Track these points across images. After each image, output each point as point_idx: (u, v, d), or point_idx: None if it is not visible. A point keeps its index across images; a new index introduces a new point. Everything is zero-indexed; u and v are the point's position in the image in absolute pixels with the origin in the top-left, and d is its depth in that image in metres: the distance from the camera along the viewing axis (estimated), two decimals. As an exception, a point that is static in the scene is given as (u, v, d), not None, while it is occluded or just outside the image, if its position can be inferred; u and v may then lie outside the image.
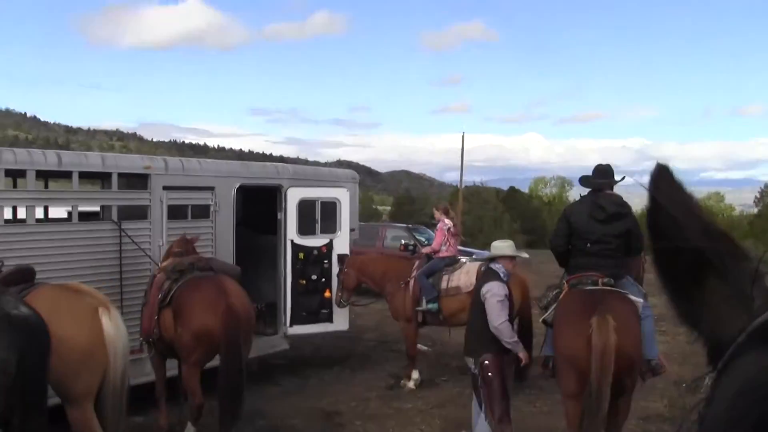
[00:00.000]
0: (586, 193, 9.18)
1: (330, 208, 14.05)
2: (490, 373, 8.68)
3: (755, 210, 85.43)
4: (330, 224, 14.04)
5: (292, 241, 13.63)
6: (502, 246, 9.33)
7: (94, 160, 11.53)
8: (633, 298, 8.42)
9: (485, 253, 27.28)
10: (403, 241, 23.89)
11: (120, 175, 11.51)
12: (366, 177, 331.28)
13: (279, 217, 13.73)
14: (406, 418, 11.50)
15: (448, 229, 13.78)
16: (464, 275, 12.99)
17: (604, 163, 9.23)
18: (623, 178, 9.25)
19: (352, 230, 14.88)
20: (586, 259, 8.61)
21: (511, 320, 9.10)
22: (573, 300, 8.37)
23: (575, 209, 9.10)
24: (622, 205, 8.81)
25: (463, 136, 60.35)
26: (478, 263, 12.98)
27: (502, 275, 8.99)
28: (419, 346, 14.90)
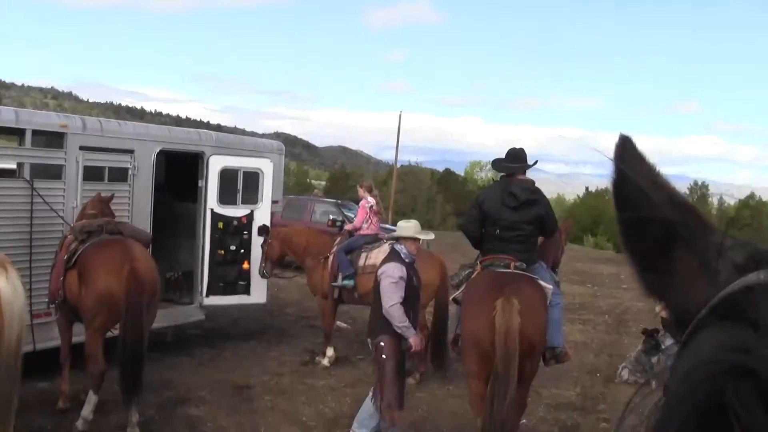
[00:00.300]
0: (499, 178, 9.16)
1: (252, 179, 13.77)
2: (383, 356, 8.54)
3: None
4: (252, 195, 13.76)
5: (212, 210, 13.33)
6: (406, 226, 9.10)
7: (7, 115, 11.08)
8: (543, 284, 8.38)
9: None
10: (331, 217, 23.59)
11: (35, 132, 11.10)
12: (303, 151, 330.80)
13: (200, 184, 13.41)
14: (316, 395, 11.35)
15: (371, 206, 13.67)
16: (382, 254, 12.78)
17: (516, 147, 9.12)
18: (536, 163, 9.28)
19: (275, 202, 14.65)
20: (500, 244, 8.55)
21: (415, 303, 8.88)
22: (482, 280, 8.33)
23: (487, 195, 8.95)
24: (534, 192, 8.76)
25: (400, 116, 60.19)
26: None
27: (403, 256, 8.76)
28: (338, 323, 14.79)
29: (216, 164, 13.31)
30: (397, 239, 9.00)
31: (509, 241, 8.52)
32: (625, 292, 26.66)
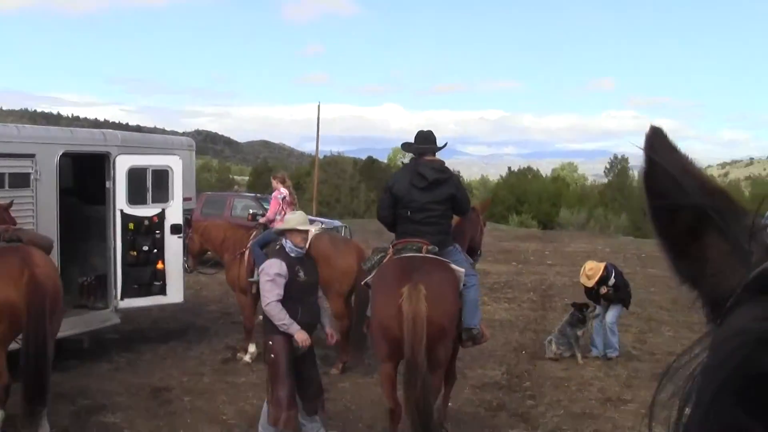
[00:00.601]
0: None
1: (162, 177, 13.41)
2: (273, 355, 8.28)
3: (606, 180, 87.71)
4: (162, 193, 13.40)
5: (121, 210, 12.93)
6: (289, 218, 8.82)
7: None
8: (454, 267, 8.34)
9: (336, 222, 27.20)
10: (251, 211, 23.30)
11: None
12: (225, 147, 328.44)
13: (107, 185, 13.03)
14: (237, 393, 11.11)
15: (284, 198, 13.61)
16: None
17: (425, 130, 9.08)
18: (445, 145, 9.22)
19: (187, 199, 14.38)
20: (412, 226, 8.52)
21: (305, 298, 8.46)
22: (391, 266, 8.31)
23: (396, 178, 8.96)
24: (443, 171, 8.73)
25: (318, 107, 60.03)
26: (311, 234, 12.73)
27: (288, 251, 8.47)
28: (260, 317, 14.53)
29: (123, 164, 12.92)
30: (283, 232, 8.75)
31: (421, 223, 8.49)
32: (550, 268, 26.87)
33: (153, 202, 13.32)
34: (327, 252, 12.36)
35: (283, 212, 13.37)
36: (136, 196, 13.10)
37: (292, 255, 8.43)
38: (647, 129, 1.24)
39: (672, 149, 1.22)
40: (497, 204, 75.85)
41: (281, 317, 8.17)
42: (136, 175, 13.09)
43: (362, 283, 9.36)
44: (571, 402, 10.85)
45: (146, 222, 13.21)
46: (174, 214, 13.51)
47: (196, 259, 14.06)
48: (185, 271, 13.71)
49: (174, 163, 13.53)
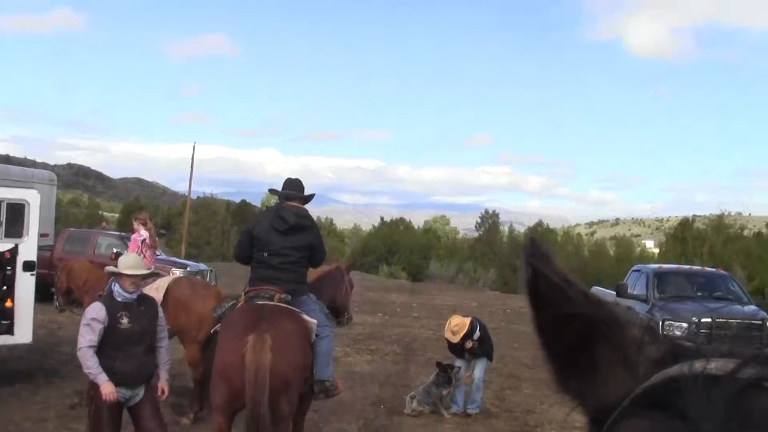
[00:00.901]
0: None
1: (18, 211, 12.88)
2: (93, 405, 7.87)
3: (476, 234, 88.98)
4: (17, 228, 12.86)
5: (-30, 245, 12.37)
6: (121, 261, 8.32)
7: None
8: (305, 318, 8.16)
9: (201, 266, 26.70)
10: (115, 250, 22.78)
11: None
12: (97, 183, 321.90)
13: (-43, 217, 12.44)
14: (80, 441, 10.60)
15: (143, 240, 13.27)
16: (153, 291, 12.25)
17: (294, 177, 9.09)
18: (313, 195, 9.16)
19: (44, 235, 13.85)
20: (267, 271, 8.36)
21: (129, 346, 7.88)
22: (239, 314, 8.08)
23: (258, 220, 8.89)
24: (305, 217, 8.67)
25: (194, 147, 59.53)
26: (169, 279, 12.39)
27: (115, 295, 8.02)
28: None
29: (-26, 196, 12.36)
30: (113, 275, 8.36)
31: (276, 268, 8.33)
32: (416, 321, 26.90)
33: (6, 236, 12.77)
34: (184, 297, 12.02)
35: (142, 255, 12.87)
36: (-13, 229, 12.53)
37: (119, 299, 7.99)
38: (526, 240, 1.26)
39: (550, 260, 1.20)
40: (368, 254, 76.19)
41: (89, 365, 7.70)
42: (-12, 208, 12.53)
43: (211, 331, 9.13)
44: (426, 460, 10.71)
45: (-3, 257, 12.62)
46: (28, 250, 12.95)
47: (65, 297, 13.51)
48: (56, 309, 13.38)
49: (32, 198, 12.99)
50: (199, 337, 11.98)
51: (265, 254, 8.39)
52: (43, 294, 25.04)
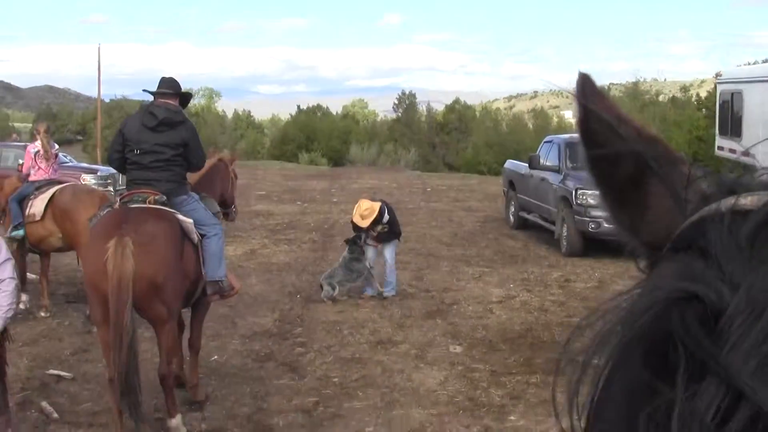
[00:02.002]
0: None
1: None
2: None
3: (395, 115, 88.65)
4: None
5: None
6: None
7: None
8: (180, 217, 7.78)
9: (112, 170, 26.08)
10: (20, 161, 22.10)
11: None
12: (6, 93, 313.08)
13: None
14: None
15: (36, 152, 12.79)
16: (39, 201, 12.10)
17: (168, 77, 8.61)
18: (190, 95, 9.06)
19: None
20: (140, 172, 7.99)
21: None
22: (104, 219, 7.68)
23: (129, 120, 8.45)
24: (177, 113, 8.25)
25: (99, 48, 57.72)
26: (55, 188, 12.18)
27: None
28: (29, 274, 13.68)
29: None
30: None
31: (149, 168, 7.95)
32: (335, 206, 26.74)
33: None
34: (67, 206, 11.85)
35: (37, 166, 12.68)
36: None
37: None
38: (576, 77, 1.19)
39: (602, 97, 1.17)
40: (287, 143, 75.56)
41: None
42: None
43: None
44: (341, 347, 10.60)
45: None
46: None
47: None
48: None
49: None
50: (72, 244, 11.93)
51: (137, 152, 7.98)
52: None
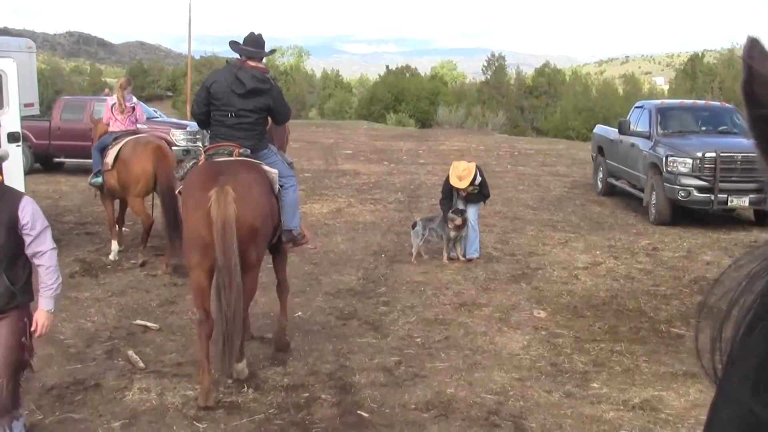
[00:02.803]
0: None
1: (-7, 82, 12.51)
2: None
3: (484, 78, 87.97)
4: (-5, 99, 12.53)
5: (-51, 117, 12.07)
6: None
7: None
8: (266, 168, 8.28)
9: (193, 125, 26.55)
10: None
11: None
12: (99, 49, 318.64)
13: (-67, 89, 12.10)
14: (79, 309, 10.42)
15: (112, 105, 13.53)
16: (111, 151, 12.90)
17: (256, 32, 8.87)
18: (273, 51, 9.48)
19: (29, 105, 13.61)
20: (226, 130, 8.34)
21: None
22: (200, 172, 8.07)
23: (216, 78, 8.56)
24: (263, 81, 8.45)
25: (189, 5, 58.14)
26: (128, 139, 12.96)
27: None
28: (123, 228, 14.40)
29: (-52, 68, 11.99)
30: None
31: (234, 128, 8.30)
32: (421, 167, 26.72)
33: (-15, 109, 12.45)
34: (125, 157, 12.63)
35: (113, 118, 13.47)
36: (-36, 102, 12.22)
37: None
38: (745, 40, 1.22)
39: None
40: (375, 103, 75.49)
41: None
42: (-36, 80, 12.18)
43: (177, 192, 9.19)
44: (425, 308, 10.60)
45: (-21, 130, 12.34)
46: (11, 121, 12.61)
47: None
48: None
49: (7, 67, 12.57)
50: (137, 192, 12.57)
51: (226, 114, 8.34)
52: (44, 164, 25.18)
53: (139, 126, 14.05)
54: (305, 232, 9.13)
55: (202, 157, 8.30)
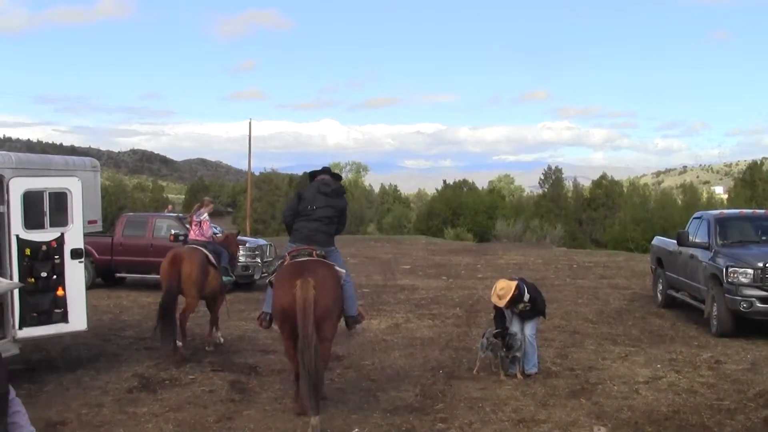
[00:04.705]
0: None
1: (60, 199, 12.87)
2: None
3: (541, 191, 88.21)
4: (61, 217, 12.87)
5: (17, 236, 12.36)
6: None
7: None
8: (337, 268, 10.85)
9: (260, 241, 27.02)
10: (173, 231, 23.14)
11: None
12: (162, 166, 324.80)
13: (1, 210, 12.46)
14: (136, 424, 10.51)
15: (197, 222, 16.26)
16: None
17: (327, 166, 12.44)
18: (341, 177, 12.23)
19: (92, 222, 13.93)
20: (308, 223, 11.03)
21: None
22: (288, 268, 10.69)
23: (307, 188, 11.50)
24: (341, 187, 11.49)
25: (250, 123, 60.08)
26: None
27: None
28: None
29: (17, 187, 12.33)
30: None
31: (316, 220, 11.01)
32: (480, 282, 26.66)
33: (51, 226, 12.78)
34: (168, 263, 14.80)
35: (190, 230, 16.47)
36: (32, 220, 12.56)
37: None
38: None
39: None
40: (433, 218, 75.96)
41: None
42: (32, 199, 12.54)
43: (267, 281, 11.69)
44: (483, 424, 10.45)
45: (44, 247, 12.63)
46: (74, 238, 12.95)
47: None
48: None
49: (72, 185, 12.96)
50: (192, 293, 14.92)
51: (311, 207, 11.03)
52: (106, 279, 25.62)
53: (204, 238, 15.93)
54: (362, 312, 11.73)
55: (287, 258, 10.92)
